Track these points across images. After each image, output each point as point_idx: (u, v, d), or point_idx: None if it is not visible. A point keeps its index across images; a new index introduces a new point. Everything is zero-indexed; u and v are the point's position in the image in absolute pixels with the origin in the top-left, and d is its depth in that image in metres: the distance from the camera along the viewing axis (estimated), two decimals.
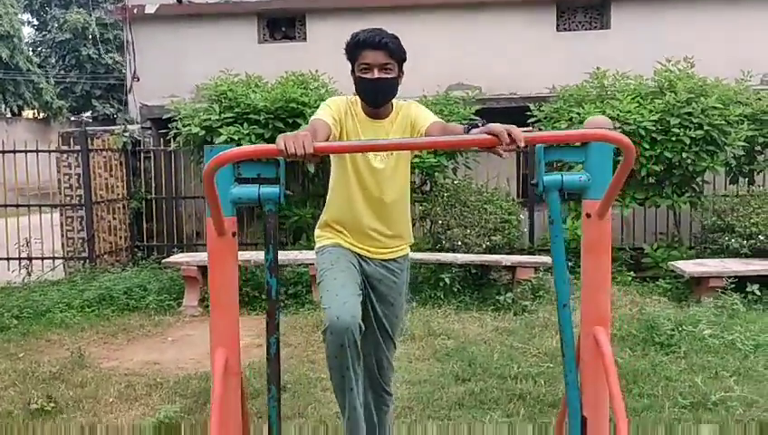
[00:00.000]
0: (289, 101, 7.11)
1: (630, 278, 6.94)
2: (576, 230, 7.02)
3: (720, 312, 5.63)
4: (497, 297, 6.20)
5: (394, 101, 2.71)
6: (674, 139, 6.68)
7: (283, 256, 6.88)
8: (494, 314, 5.98)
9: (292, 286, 6.68)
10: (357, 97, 2.69)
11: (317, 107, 2.76)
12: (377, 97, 2.62)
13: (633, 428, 3.55)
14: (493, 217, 6.91)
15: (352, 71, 2.64)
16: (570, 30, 9.63)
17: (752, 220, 6.56)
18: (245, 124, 7.10)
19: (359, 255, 2.76)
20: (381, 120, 2.68)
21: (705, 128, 6.61)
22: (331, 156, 2.76)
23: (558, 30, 9.55)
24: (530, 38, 9.38)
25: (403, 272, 2.88)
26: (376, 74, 2.56)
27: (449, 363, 4.62)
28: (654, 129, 6.68)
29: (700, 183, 7.29)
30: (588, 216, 2.31)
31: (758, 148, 7.34)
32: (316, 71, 7.84)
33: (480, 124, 2.20)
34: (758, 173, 7.43)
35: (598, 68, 7.60)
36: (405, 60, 2.64)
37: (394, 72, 2.60)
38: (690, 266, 6.39)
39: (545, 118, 7.41)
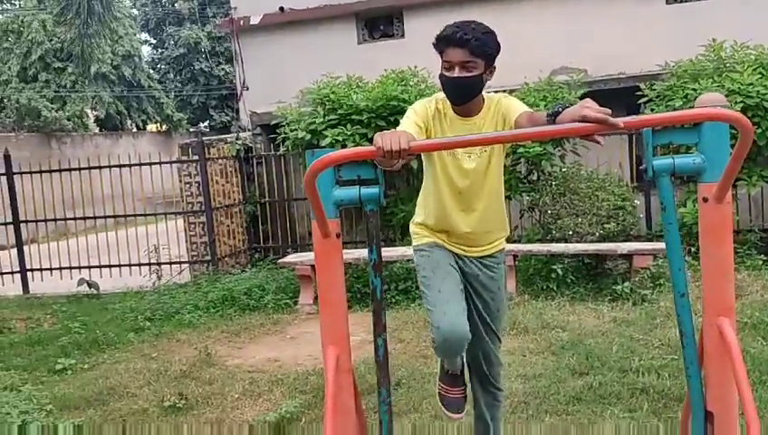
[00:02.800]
0: (389, 100, 7.18)
1: (761, 262, 6.48)
2: (697, 214, 6.62)
3: None
4: (614, 287, 5.97)
5: (486, 95, 2.64)
6: None
7: (392, 251, 6.96)
8: (611, 304, 5.77)
9: (402, 282, 6.75)
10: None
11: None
12: (457, 96, 2.56)
13: (766, 420, 3.32)
14: (605, 203, 6.66)
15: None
16: (680, 2, 9.07)
17: None
18: (349, 125, 7.24)
19: (455, 254, 2.75)
20: (472, 118, 2.61)
21: None
22: (423, 159, 2.75)
23: (667, 3, 9.03)
24: (637, 13, 8.93)
25: (500, 265, 2.84)
26: (456, 73, 2.48)
27: (565, 357, 4.50)
28: None
29: None
30: (705, 200, 2.17)
31: None
32: (414, 67, 7.86)
33: (561, 109, 2.11)
34: None
35: (714, 39, 7.11)
36: (494, 55, 2.54)
37: (478, 69, 2.49)
38: None
39: (657, 97, 7.03)
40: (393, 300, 6.52)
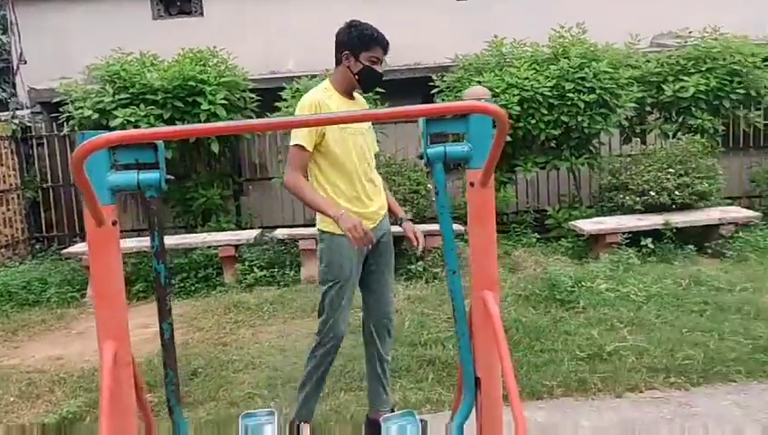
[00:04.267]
0: (187, 79, 6.90)
1: (535, 240, 7.20)
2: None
3: (616, 266, 5.94)
4: (408, 266, 6.31)
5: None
6: (569, 103, 6.93)
7: (193, 238, 6.74)
8: (406, 283, 6.09)
9: (202, 269, 6.57)
10: (329, 83, 3.05)
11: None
12: (374, 86, 3.18)
13: (533, 382, 3.73)
14: (402, 188, 6.98)
15: (352, 56, 2.98)
16: None
17: (643, 178, 6.91)
18: (142, 105, 6.85)
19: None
20: (354, 100, 3.12)
21: (598, 91, 6.89)
22: (329, 144, 2.98)
23: None
24: (432, 6, 9.43)
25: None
26: (380, 68, 3.03)
27: (361, 335, 4.66)
28: (551, 94, 6.91)
29: (596, 145, 7.62)
30: (471, 184, 2.36)
31: (648, 109, 7.73)
32: (214, 47, 7.63)
33: None
34: (649, 133, 7.81)
35: (495, 36, 7.74)
36: None
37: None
38: (588, 225, 6.70)
39: (447, 88, 7.52)
40: (193, 288, 6.33)
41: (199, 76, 6.95)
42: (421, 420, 3.30)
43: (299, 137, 2.93)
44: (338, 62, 3.06)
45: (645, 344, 4.16)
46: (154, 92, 6.88)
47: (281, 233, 6.75)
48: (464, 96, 2.54)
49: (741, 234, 6.65)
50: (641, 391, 3.62)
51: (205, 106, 6.82)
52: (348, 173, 3.01)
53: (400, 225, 3.23)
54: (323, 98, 2.98)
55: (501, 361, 2.26)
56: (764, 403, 3.44)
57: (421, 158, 2.34)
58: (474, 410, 2.50)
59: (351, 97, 3.11)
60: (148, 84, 6.90)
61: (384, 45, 3.07)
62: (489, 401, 2.46)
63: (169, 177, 2.15)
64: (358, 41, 3.01)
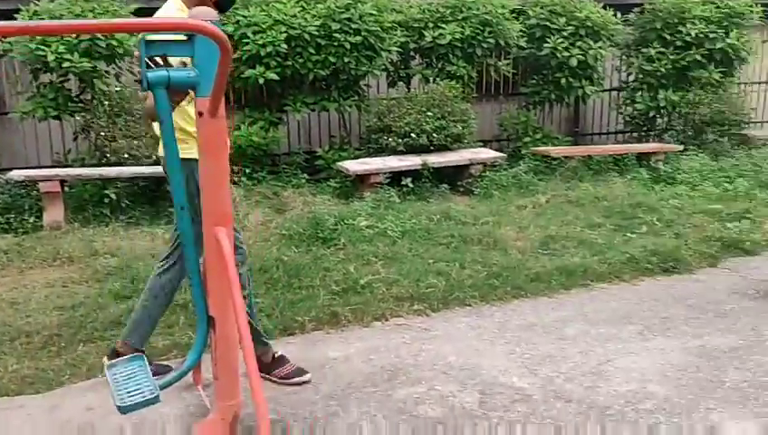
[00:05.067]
0: None
1: (305, 180, 7.23)
2: (251, 137, 7.04)
3: (377, 205, 6.18)
4: (171, 209, 5.97)
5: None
6: (336, 44, 6.95)
7: None
8: (167, 226, 5.77)
9: None
10: (181, 2, 2.81)
11: None
12: (233, 4, 3.06)
13: (286, 318, 3.76)
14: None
15: None
16: None
17: (405, 120, 7.22)
18: None
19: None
20: None
21: (363, 33, 6.99)
22: None
23: None
24: None
25: None
26: None
27: (109, 282, 4.35)
28: (318, 33, 6.86)
29: (363, 87, 7.78)
30: (200, 114, 2.22)
31: (411, 53, 8.03)
32: None
33: None
34: (413, 77, 8.15)
35: None
36: None
37: None
38: (354, 166, 6.87)
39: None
40: None
41: None
42: (160, 365, 3.19)
43: None
44: None
45: (395, 276, 4.38)
46: None
47: (18, 175, 5.99)
48: (188, 15, 2.35)
49: (488, 173, 7.28)
50: (387, 320, 3.82)
51: None
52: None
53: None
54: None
55: (232, 299, 2.21)
56: (495, 324, 3.82)
57: (140, 84, 2.15)
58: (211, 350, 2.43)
59: None
60: None
61: None
62: (224, 341, 2.40)
63: None
64: None
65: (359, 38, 6.99)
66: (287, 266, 4.59)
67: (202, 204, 2.28)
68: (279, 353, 3.17)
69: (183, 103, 2.84)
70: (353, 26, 6.97)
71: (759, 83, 10.57)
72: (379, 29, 7.12)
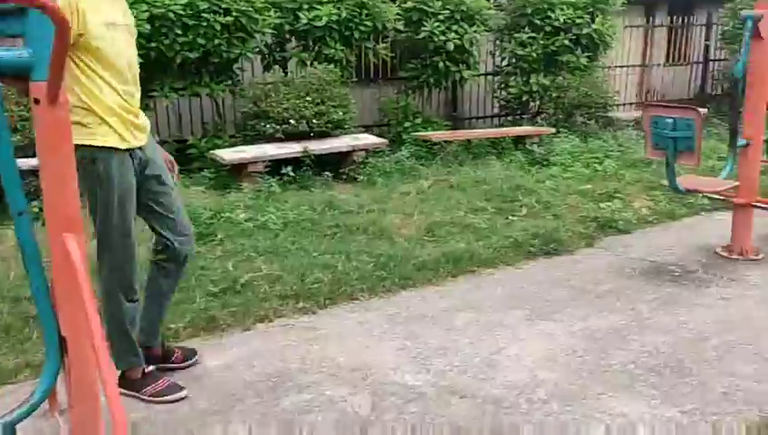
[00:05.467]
0: None
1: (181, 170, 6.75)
2: None
3: (257, 196, 5.87)
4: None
5: None
6: (205, 24, 6.51)
7: None
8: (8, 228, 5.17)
9: None
10: None
11: None
12: None
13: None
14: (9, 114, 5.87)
15: None
16: None
17: (283, 106, 6.92)
18: None
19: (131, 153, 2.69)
20: None
21: (234, 14, 6.59)
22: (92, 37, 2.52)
23: None
24: None
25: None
26: None
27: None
28: (184, 13, 6.39)
29: (237, 71, 7.38)
30: (36, 101, 1.88)
31: (287, 36, 7.72)
32: None
33: None
34: (289, 60, 7.84)
35: None
36: None
37: None
38: (230, 154, 6.50)
39: None
40: None
41: None
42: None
43: None
44: None
45: (278, 272, 4.14)
46: None
47: None
48: None
49: (370, 159, 7.15)
50: (271, 321, 3.57)
51: None
52: (118, 74, 2.62)
53: None
54: None
55: (86, 315, 1.90)
56: (383, 318, 3.68)
57: None
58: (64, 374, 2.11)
59: None
60: None
61: None
62: (79, 364, 2.08)
63: None
64: None
65: (229, 18, 6.58)
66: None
67: (47, 208, 1.94)
68: (150, 368, 2.86)
69: (81, 78, 2.55)
70: (223, 6, 6.56)
71: (622, 67, 11.14)
72: (251, 9, 6.74)
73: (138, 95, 2.75)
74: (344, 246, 4.65)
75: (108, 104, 2.58)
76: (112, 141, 2.61)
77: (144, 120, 2.79)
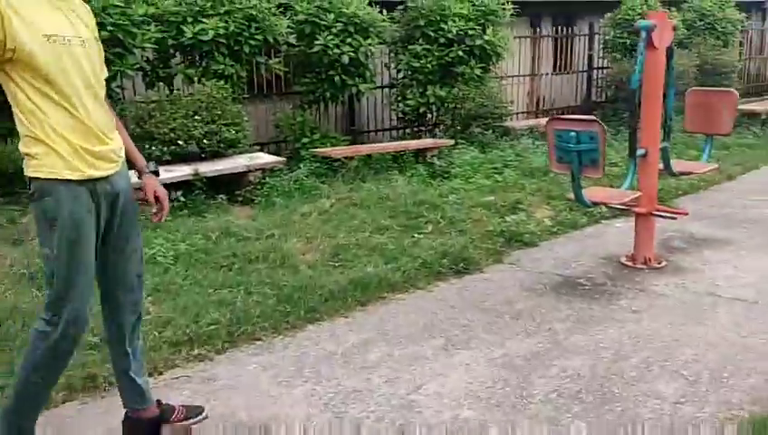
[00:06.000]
0: None
1: None
2: None
3: (143, 226, 5.35)
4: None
5: None
6: None
7: None
8: None
9: None
10: None
11: None
12: None
13: None
14: None
15: None
16: None
17: (170, 126, 6.44)
18: None
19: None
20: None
21: (110, 28, 6.07)
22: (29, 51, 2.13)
23: None
24: None
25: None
26: None
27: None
28: None
29: (116, 89, 6.82)
30: None
31: (171, 51, 7.23)
32: None
33: None
34: (174, 77, 7.34)
35: None
36: None
37: None
38: None
39: None
40: None
41: None
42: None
43: None
44: None
45: (169, 314, 3.72)
46: None
47: None
48: None
49: (268, 179, 6.78)
50: (161, 374, 3.16)
51: None
52: (66, 96, 2.21)
53: (139, 177, 2.59)
54: None
55: None
56: (290, 360, 3.36)
57: None
58: None
59: None
60: None
61: None
62: None
63: None
64: None
65: (105, 33, 6.04)
66: (27, 316, 3.70)
67: None
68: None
69: (22, 99, 2.19)
70: (96, 21, 6.01)
71: (513, 77, 11.33)
72: (128, 23, 6.24)
73: (103, 118, 2.35)
74: (243, 278, 4.29)
75: (53, 127, 2.19)
76: (60, 172, 2.21)
77: (115, 145, 2.39)
